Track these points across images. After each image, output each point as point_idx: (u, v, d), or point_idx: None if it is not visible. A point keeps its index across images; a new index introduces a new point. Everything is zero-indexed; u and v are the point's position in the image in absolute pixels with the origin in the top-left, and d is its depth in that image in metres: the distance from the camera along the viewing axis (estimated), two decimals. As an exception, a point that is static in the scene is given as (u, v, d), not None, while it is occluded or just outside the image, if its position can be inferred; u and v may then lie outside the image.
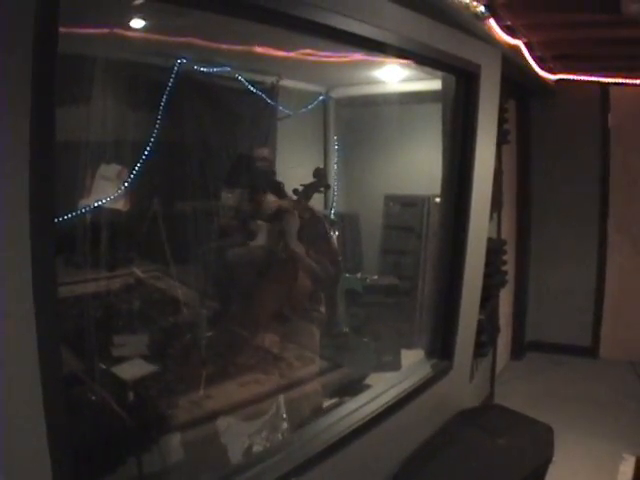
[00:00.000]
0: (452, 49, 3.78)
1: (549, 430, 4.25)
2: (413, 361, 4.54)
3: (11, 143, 1.63)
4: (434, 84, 4.51)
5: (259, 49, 4.20)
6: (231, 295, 3.94)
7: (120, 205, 4.31)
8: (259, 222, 3.80)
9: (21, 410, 1.74)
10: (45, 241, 1.72)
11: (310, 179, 4.06)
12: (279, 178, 4.19)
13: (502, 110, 5.01)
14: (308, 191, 3.88)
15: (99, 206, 4.10)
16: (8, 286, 1.67)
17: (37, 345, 1.73)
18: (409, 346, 5.62)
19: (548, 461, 4.05)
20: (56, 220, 3.33)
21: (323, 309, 4.01)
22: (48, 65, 1.66)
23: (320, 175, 3.97)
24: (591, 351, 7.34)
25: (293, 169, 4.14)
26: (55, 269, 1.77)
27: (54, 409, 1.80)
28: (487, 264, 4.84)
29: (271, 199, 3.89)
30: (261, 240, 3.81)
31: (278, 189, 3.89)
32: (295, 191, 3.87)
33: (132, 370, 3.38)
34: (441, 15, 3.61)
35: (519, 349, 7.45)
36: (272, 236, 3.73)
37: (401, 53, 3.55)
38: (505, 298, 6.60)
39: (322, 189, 3.97)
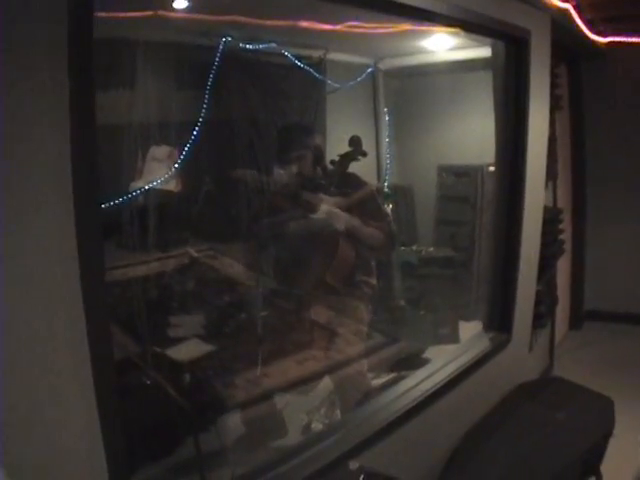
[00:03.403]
0: (501, 15, 3.70)
1: (610, 403, 4.17)
2: (472, 334, 4.50)
3: (52, 129, 1.62)
4: (484, 51, 4.44)
5: (305, 24, 4.17)
6: (283, 271, 3.93)
7: (172, 186, 4.32)
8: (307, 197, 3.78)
9: (72, 395, 1.74)
10: (91, 227, 1.70)
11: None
12: (330, 152, 4.16)
13: (554, 75, 4.91)
14: (344, 161, 3.86)
15: (151, 188, 4.11)
16: (55, 274, 1.66)
17: (87, 334, 1.73)
18: (467, 318, 5.58)
19: (609, 435, 3.98)
20: (108, 204, 3.39)
21: (374, 281, 3.96)
22: (84, 50, 1.64)
23: (356, 144, 3.94)
24: (651, 320, 7.19)
25: (344, 142, 4.09)
26: (103, 255, 1.76)
27: (105, 394, 1.80)
28: (544, 233, 4.77)
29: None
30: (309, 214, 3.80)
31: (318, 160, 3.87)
32: (332, 162, 3.86)
33: (189, 350, 3.39)
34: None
35: (578, 319, 7.34)
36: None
37: (450, 21, 3.48)
38: (563, 267, 6.51)
39: (359, 157, 3.94)
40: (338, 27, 4.29)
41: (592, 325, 7.31)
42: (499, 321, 4.30)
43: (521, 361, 4.69)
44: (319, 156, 3.82)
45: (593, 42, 5.92)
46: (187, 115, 4.38)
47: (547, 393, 4.33)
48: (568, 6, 4.63)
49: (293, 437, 3.50)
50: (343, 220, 3.67)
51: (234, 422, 3.40)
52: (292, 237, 3.76)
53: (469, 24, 3.58)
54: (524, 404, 4.10)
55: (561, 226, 5.78)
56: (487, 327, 4.35)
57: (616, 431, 3.99)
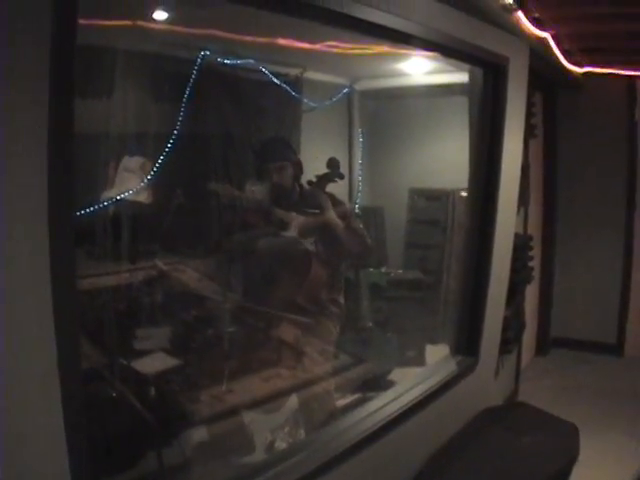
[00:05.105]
0: (480, 41, 3.73)
1: (574, 429, 4.20)
2: (438, 357, 4.50)
3: (29, 138, 1.59)
4: (460, 76, 4.46)
5: (283, 41, 4.17)
6: (253, 289, 3.91)
7: (143, 198, 4.29)
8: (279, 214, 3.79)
9: (39, 405, 1.72)
10: (64, 237, 1.68)
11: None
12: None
13: (529, 103, 4.95)
14: (321, 182, 3.88)
15: (122, 199, 4.08)
16: (25, 281, 1.64)
17: (55, 343, 1.70)
18: (434, 341, 5.58)
19: (573, 461, 3.99)
20: (78, 213, 3.35)
21: (342, 300, 3.96)
22: (66, 58, 1.62)
23: (333, 166, 3.97)
24: (616, 348, 7.26)
25: (317, 161, 4.10)
26: (74, 265, 1.74)
27: (72, 405, 1.78)
28: (514, 260, 4.78)
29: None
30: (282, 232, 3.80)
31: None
32: (309, 182, 3.87)
33: (155, 363, 3.37)
34: (469, 7, 3.57)
35: (544, 345, 7.40)
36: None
37: (428, 45, 3.50)
38: (531, 293, 6.55)
39: (336, 179, 3.96)
40: (316, 46, 4.29)
41: (558, 352, 7.36)
42: (466, 345, 4.31)
43: (487, 386, 4.69)
44: (298, 171, 3.83)
45: (570, 72, 5.98)
46: (162, 127, 4.36)
47: (512, 418, 4.34)
48: (547, 35, 4.67)
49: (257, 455, 3.48)
50: (333, 223, 3.70)
51: (198, 437, 3.37)
52: (264, 255, 3.75)
53: (447, 49, 3.61)
54: (489, 429, 4.10)
55: (531, 253, 5.80)
56: (454, 351, 4.35)
57: (580, 457, 4.00)
